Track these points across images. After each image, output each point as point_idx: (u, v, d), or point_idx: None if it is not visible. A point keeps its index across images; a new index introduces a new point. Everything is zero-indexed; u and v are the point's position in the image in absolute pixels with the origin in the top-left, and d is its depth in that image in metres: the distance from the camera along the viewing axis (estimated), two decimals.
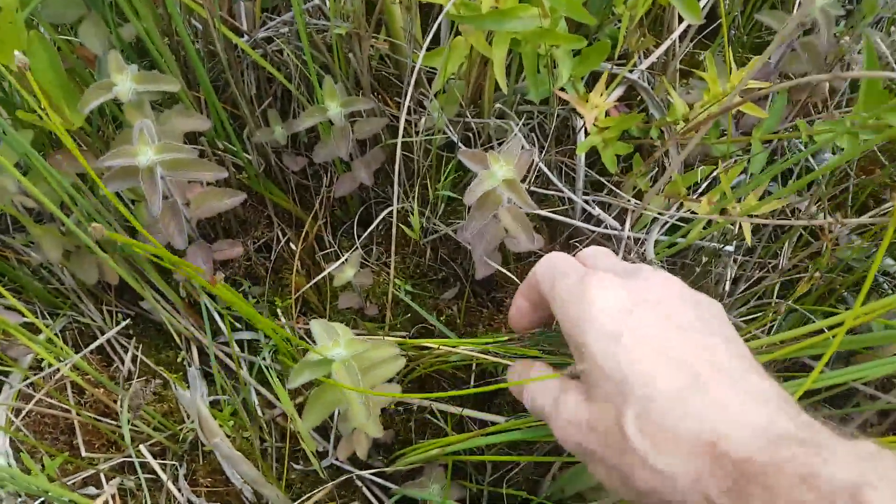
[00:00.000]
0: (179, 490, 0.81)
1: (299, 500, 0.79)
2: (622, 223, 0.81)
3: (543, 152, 0.85)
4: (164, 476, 0.81)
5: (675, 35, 0.83)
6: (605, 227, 0.83)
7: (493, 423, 0.68)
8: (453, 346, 0.66)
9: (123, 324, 0.91)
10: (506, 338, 0.63)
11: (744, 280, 0.85)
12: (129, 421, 0.79)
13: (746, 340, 0.43)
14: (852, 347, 0.66)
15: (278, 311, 0.94)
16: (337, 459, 0.82)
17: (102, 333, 0.91)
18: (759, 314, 0.85)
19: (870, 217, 0.83)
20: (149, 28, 0.76)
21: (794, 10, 0.77)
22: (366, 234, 0.95)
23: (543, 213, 0.81)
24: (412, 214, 0.84)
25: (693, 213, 0.75)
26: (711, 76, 0.68)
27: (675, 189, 0.76)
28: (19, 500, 0.76)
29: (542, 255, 0.50)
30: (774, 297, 0.85)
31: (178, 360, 0.91)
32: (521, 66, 0.76)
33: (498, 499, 0.81)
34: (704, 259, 0.84)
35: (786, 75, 0.83)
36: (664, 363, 0.38)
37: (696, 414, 0.37)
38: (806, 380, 0.44)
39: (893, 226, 0.42)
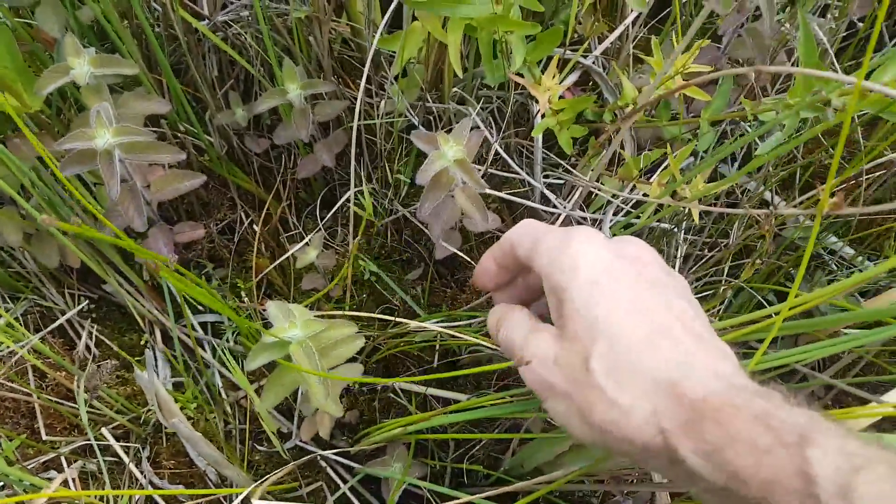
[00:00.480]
0: (142, 472, 0.82)
1: (261, 480, 0.80)
2: (581, 209, 0.83)
3: (500, 134, 0.86)
4: (126, 458, 0.82)
5: (629, 21, 0.85)
6: (563, 209, 0.85)
7: (456, 402, 0.70)
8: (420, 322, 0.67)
9: (82, 305, 0.91)
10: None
11: (693, 259, 0.88)
12: (86, 402, 0.79)
13: None
14: (795, 332, 0.70)
15: (241, 293, 0.94)
16: (301, 440, 0.83)
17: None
18: (709, 292, 0.88)
19: (804, 209, 0.86)
20: (107, 11, 0.75)
21: None
22: (329, 215, 0.96)
23: (498, 194, 0.83)
24: (368, 196, 0.85)
25: (646, 195, 0.77)
26: (657, 61, 0.70)
27: (627, 171, 0.78)
28: None
29: (500, 236, 0.52)
30: (724, 275, 0.88)
31: (142, 342, 0.92)
32: (479, 52, 0.78)
33: (459, 474, 0.84)
34: (656, 239, 0.87)
35: (735, 60, 0.85)
36: (635, 311, 0.41)
37: (660, 357, 0.39)
38: (749, 361, 0.47)
39: (821, 209, 0.45)
